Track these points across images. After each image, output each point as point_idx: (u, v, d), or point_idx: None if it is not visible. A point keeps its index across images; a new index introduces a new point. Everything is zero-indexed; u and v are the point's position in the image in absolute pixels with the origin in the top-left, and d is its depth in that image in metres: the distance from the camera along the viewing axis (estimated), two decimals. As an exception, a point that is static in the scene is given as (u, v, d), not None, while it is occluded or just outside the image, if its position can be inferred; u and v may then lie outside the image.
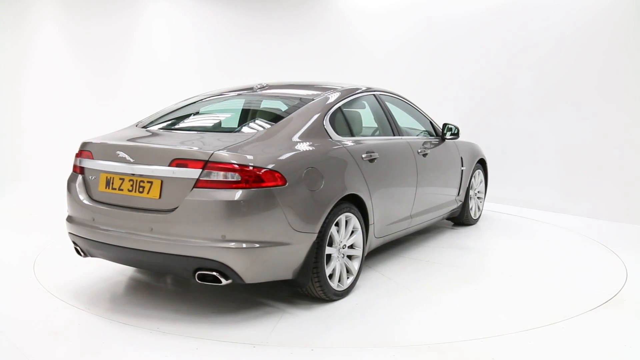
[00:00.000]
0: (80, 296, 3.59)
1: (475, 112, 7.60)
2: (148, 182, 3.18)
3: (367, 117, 4.44)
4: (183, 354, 2.80)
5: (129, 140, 3.48)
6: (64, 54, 8.90)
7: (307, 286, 3.37)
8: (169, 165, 3.11)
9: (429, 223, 4.98)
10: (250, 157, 3.08)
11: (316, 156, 3.44)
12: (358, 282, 3.83)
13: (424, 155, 4.62)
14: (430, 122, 5.15)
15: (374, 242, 4.01)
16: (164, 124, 3.84)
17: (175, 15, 9.64)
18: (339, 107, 3.93)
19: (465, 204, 5.54)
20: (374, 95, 4.49)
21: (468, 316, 3.38)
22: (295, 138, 3.44)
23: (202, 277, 3.08)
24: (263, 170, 3.06)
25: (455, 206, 5.37)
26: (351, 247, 3.70)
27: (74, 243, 3.55)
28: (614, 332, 3.22)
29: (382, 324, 3.24)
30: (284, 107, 3.86)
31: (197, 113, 4.11)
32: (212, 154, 3.04)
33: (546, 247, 5.12)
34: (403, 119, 4.99)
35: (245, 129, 3.53)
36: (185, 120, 3.94)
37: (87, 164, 3.51)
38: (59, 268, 4.15)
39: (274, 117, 3.69)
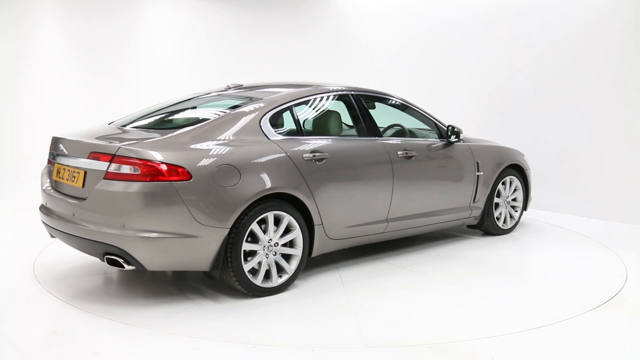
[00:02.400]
0: (80, 296, 3.60)
1: (477, 113, 7.60)
2: (77, 172, 3.51)
3: (343, 117, 4.33)
4: (183, 354, 2.81)
5: (78, 135, 3.77)
6: (63, 54, 8.89)
7: (225, 279, 3.51)
8: (88, 158, 3.42)
9: (427, 229, 4.76)
10: (153, 152, 3.23)
11: (236, 154, 3.49)
12: (304, 283, 3.83)
13: (408, 157, 4.42)
14: (436, 125, 4.90)
15: (329, 243, 3.98)
16: (127, 123, 3.96)
17: (175, 15, 9.63)
18: (289, 107, 3.95)
19: (487, 212, 5.24)
20: (349, 95, 4.40)
21: (466, 317, 3.37)
22: (218, 136, 3.54)
23: (112, 262, 3.32)
24: (164, 165, 3.21)
25: (469, 213, 5.08)
26: (292, 246, 3.73)
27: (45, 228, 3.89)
28: (614, 332, 3.23)
29: (279, 323, 3.22)
30: (229, 107, 3.90)
31: (159, 113, 4.12)
32: (119, 148, 3.27)
33: (546, 247, 5.11)
34: (403, 121, 4.95)
35: (177, 127, 3.61)
36: (144, 120, 3.98)
37: (50, 156, 3.95)
38: (59, 268, 4.15)
39: (211, 116, 3.74)
